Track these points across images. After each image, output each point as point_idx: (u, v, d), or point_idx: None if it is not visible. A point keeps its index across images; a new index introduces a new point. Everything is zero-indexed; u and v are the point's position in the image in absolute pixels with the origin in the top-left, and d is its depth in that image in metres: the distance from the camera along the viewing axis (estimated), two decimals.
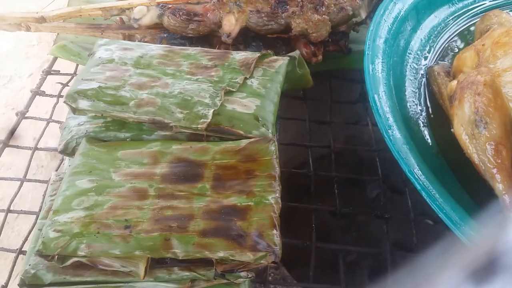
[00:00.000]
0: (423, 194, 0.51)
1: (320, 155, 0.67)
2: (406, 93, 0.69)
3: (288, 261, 0.63)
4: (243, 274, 0.47)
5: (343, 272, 0.53)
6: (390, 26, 0.72)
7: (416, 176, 0.52)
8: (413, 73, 0.72)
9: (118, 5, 0.74)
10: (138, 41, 0.77)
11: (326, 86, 0.76)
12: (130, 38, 0.79)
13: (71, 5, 0.88)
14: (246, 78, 0.58)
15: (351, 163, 0.69)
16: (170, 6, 0.73)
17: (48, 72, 0.78)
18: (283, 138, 0.68)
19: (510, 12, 0.83)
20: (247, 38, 0.76)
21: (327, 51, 0.78)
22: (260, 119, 0.55)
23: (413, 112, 0.67)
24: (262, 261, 0.46)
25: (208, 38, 0.76)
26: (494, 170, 0.53)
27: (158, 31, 0.77)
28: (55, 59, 0.80)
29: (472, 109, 0.55)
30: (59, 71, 0.78)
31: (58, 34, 0.82)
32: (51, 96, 0.73)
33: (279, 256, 0.46)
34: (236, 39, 0.75)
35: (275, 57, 0.63)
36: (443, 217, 0.49)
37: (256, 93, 0.57)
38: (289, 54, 0.72)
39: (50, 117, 0.70)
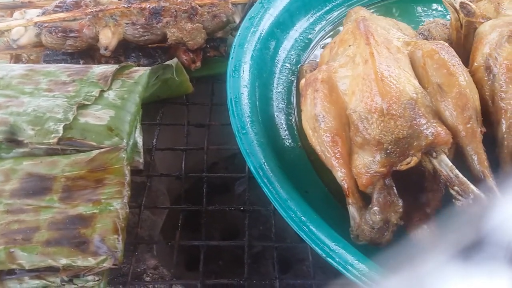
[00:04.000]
0: (263, 188, 0.55)
1: (195, 157, 0.70)
2: (275, 92, 0.73)
3: (165, 260, 0.66)
4: (90, 278, 0.50)
5: (202, 266, 0.57)
6: (261, 30, 0.76)
7: (259, 173, 0.56)
8: (285, 72, 0.76)
9: None
10: (25, 60, 0.80)
11: (209, 90, 0.79)
12: (17, 57, 0.81)
13: None
14: (103, 91, 0.60)
15: (222, 162, 0.72)
16: (46, 25, 0.75)
17: None
18: (161, 144, 0.70)
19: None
20: (127, 49, 0.79)
21: (208, 56, 0.81)
22: (114, 130, 0.58)
23: (281, 110, 0.71)
24: (104, 264, 0.49)
25: (90, 52, 0.79)
26: (333, 159, 0.56)
27: (42, 49, 0.79)
28: None
29: (312, 105, 0.58)
30: None
31: None
32: None
33: (119, 259, 0.49)
34: (117, 51, 0.77)
35: (136, 68, 0.65)
36: (279, 209, 0.53)
37: (111, 104, 0.59)
38: (167, 62, 0.75)
39: None
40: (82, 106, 0.59)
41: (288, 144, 0.67)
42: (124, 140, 0.58)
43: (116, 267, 0.49)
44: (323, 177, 0.63)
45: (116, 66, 0.63)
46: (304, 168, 0.64)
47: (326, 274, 0.53)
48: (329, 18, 0.85)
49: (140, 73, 0.64)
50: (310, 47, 0.81)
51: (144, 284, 0.59)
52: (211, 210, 0.62)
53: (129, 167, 0.55)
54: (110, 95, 0.60)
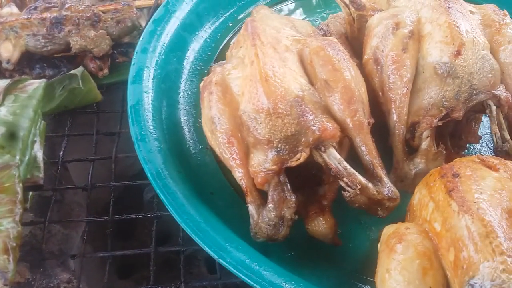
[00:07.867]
0: (159, 195, 0.55)
1: (103, 166, 0.69)
2: (183, 95, 0.73)
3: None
4: None
5: (106, 277, 0.56)
6: (166, 34, 0.76)
7: (155, 179, 0.56)
8: (195, 74, 0.76)
9: None
10: None
11: (120, 97, 0.79)
12: None
13: None
14: None
15: (132, 169, 0.72)
16: None
17: None
18: (68, 155, 0.70)
19: None
20: (31, 61, 0.77)
21: (117, 63, 0.81)
22: (5, 147, 0.56)
23: (189, 113, 0.71)
24: None
25: None
26: (230, 160, 0.57)
27: None
28: None
29: (208, 107, 0.59)
30: None
31: None
32: None
33: (9, 279, 0.48)
34: (21, 63, 0.76)
35: (31, 81, 0.64)
36: (174, 214, 0.53)
37: (2, 121, 0.58)
38: (72, 71, 0.74)
39: None
40: None
41: (195, 147, 0.67)
42: (17, 157, 0.57)
43: (7, 287, 0.49)
44: (229, 178, 0.63)
45: (8, 81, 0.62)
46: (211, 170, 0.65)
47: None
48: (239, 17, 0.85)
49: (35, 86, 0.63)
50: (221, 47, 0.81)
51: None
52: (118, 220, 0.62)
53: (21, 184, 0.54)
54: (2, 111, 0.59)
